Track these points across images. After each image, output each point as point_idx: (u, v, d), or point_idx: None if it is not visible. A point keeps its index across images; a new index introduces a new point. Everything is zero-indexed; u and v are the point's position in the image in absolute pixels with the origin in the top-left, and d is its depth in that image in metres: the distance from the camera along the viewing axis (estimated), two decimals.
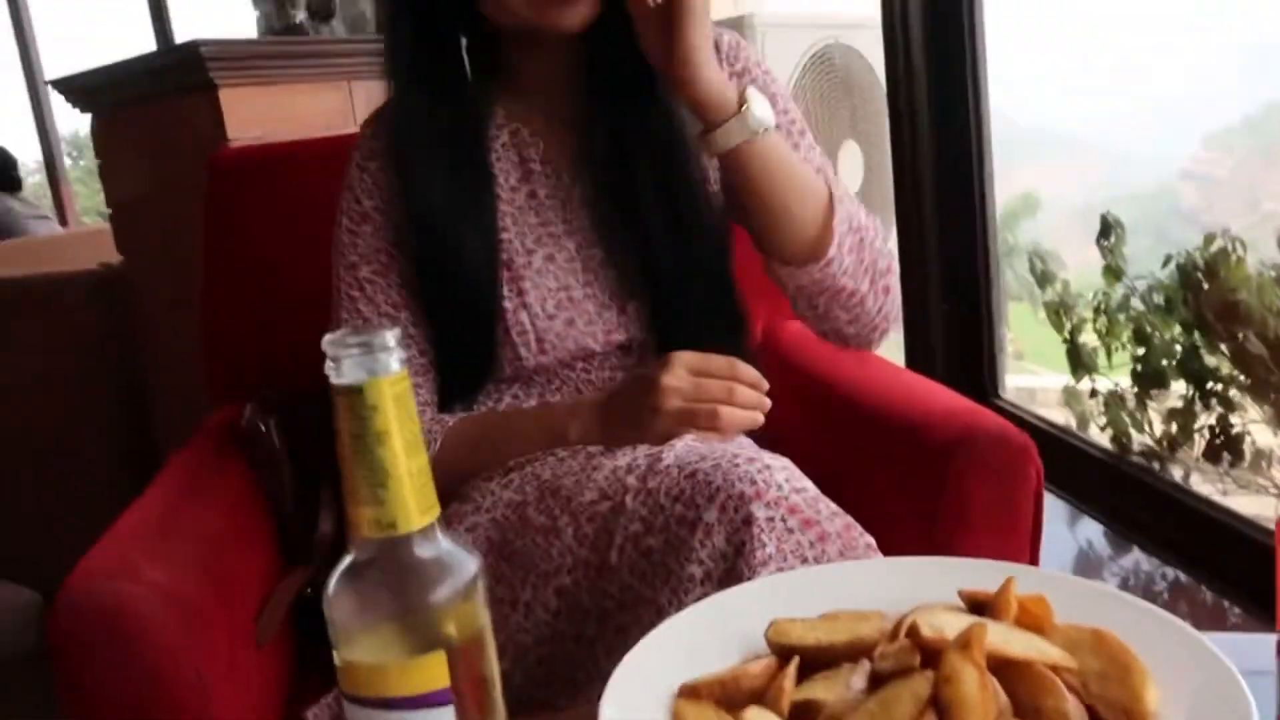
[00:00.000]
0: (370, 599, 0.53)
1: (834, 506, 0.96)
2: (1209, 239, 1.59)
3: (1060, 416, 2.09)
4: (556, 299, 1.19)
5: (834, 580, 0.81)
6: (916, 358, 2.41)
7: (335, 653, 0.53)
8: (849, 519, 0.96)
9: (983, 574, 0.77)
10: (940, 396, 1.29)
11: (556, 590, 0.99)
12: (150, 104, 2.18)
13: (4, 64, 5.50)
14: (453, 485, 1.14)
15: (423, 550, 0.53)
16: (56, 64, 5.98)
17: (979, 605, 0.71)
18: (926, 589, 0.76)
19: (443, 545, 0.54)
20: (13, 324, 2.49)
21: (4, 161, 4.49)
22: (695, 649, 0.72)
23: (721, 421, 1.04)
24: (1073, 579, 0.76)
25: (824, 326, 1.25)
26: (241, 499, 1.29)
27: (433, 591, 0.53)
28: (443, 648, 0.52)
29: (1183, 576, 1.60)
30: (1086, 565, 1.90)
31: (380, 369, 0.52)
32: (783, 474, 0.95)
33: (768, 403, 1.08)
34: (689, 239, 1.19)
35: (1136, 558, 1.77)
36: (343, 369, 0.52)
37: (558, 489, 1.02)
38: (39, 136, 5.73)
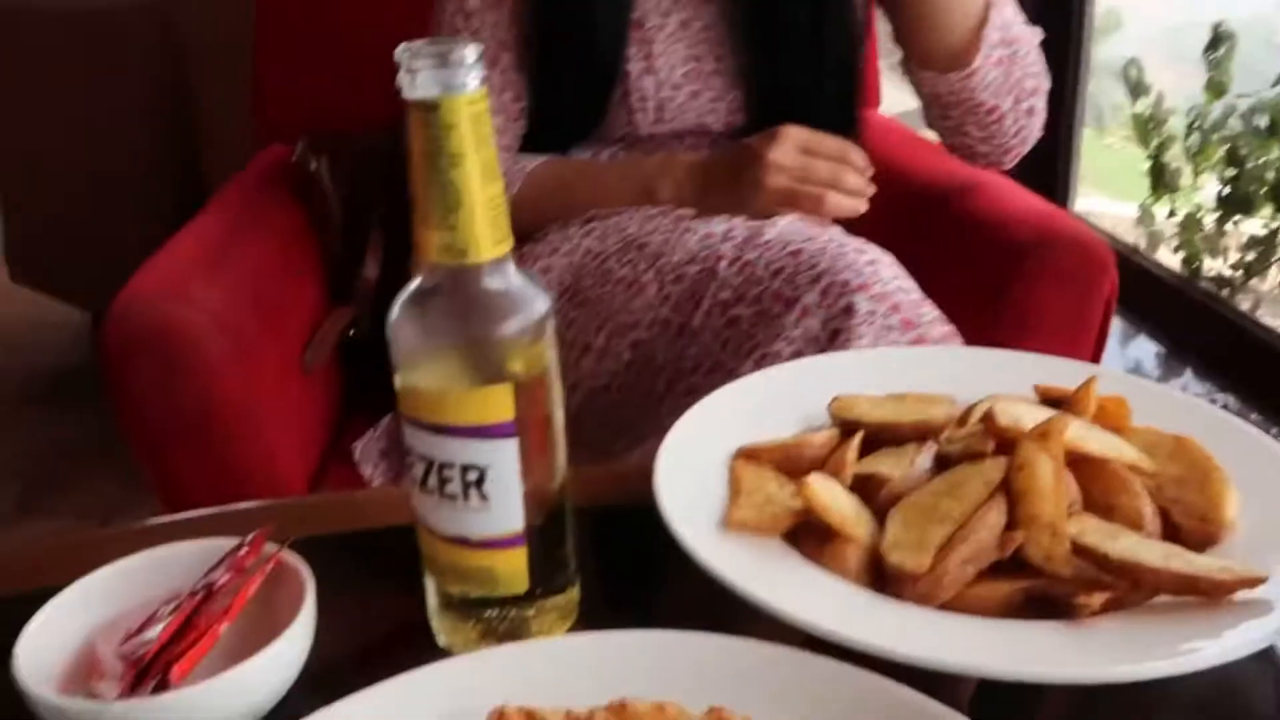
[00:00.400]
0: (436, 326, 0.51)
1: (938, 313, 0.92)
2: None
3: (1128, 236, 2.01)
4: (686, 69, 1.11)
5: (904, 362, 0.79)
6: None
7: (396, 375, 0.51)
8: (951, 327, 0.93)
9: (1060, 372, 0.74)
10: (1020, 197, 1.22)
11: (632, 343, 0.97)
12: None
13: None
14: (528, 230, 1.10)
15: (492, 282, 0.50)
16: None
17: (1055, 401, 0.68)
18: (1000, 381, 0.73)
19: (513, 280, 0.51)
20: (63, 53, 2.43)
21: None
22: (757, 414, 0.70)
23: (826, 207, 0.99)
24: (1156, 385, 0.73)
25: (954, 140, 1.17)
26: (291, 234, 1.27)
27: (501, 325, 0.50)
28: (509, 381, 0.50)
29: (1233, 404, 1.57)
30: None
31: (458, 85, 0.47)
32: (890, 270, 0.91)
33: (872, 189, 1.03)
34: (828, 25, 1.10)
35: (1187, 380, 1.74)
36: (417, 81, 0.47)
37: (644, 244, 0.99)
38: None
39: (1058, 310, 1.12)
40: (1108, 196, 2.10)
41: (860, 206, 1.02)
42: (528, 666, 0.49)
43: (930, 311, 0.91)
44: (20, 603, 0.58)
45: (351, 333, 1.25)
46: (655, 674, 0.48)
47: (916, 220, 1.28)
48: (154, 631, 0.47)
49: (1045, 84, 1.14)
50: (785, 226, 0.95)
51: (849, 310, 0.86)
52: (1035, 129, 1.16)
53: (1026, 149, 1.19)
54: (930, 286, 1.12)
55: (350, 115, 1.39)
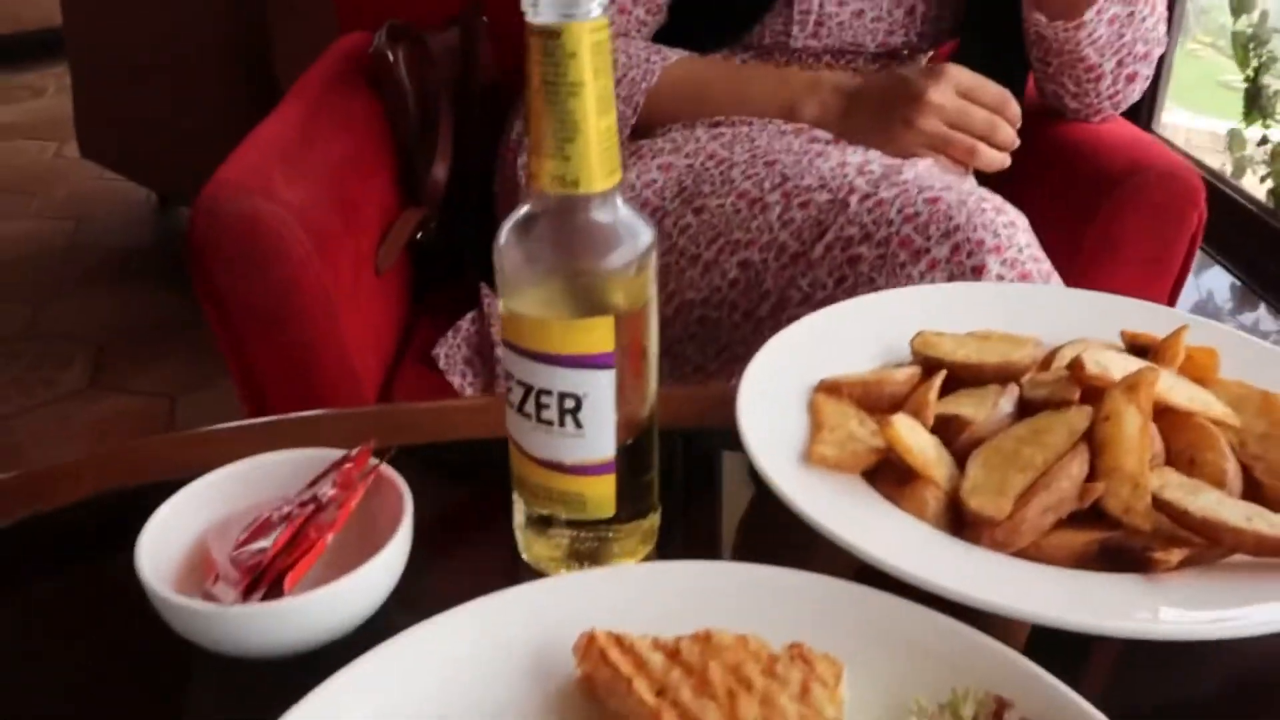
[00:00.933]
0: (541, 255, 0.51)
1: (1067, 290, 0.90)
2: None
3: (1213, 162, 1.94)
4: None
5: (990, 298, 0.78)
6: None
7: (501, 301, 0.52)
8: None
9: (1147, 316, 0.73)
10: (1113, 122, 1.19)
11: (742, 263, 0.95)
12: None
13: None
14: (653, 126, 1.07)
15: (600, 214, 0.51)
16: None
17: (1141, 348, 0.68)
18: (1086, 323, 0.72)
19: (621, 212, 0.51)
20: None
21: None
22: (841, 345, 0.70)
23: (976, 158, 0.96)
24: (1246, 337, 0.72)
25: (1046, 86, 1.13)
26: (368, 128, 1.27)
27: (606, 257, 0.51)
28: (610, 314, 0.51)
29: None
30: (1205, 315, 1.84)
31: (581, 12, 0.47)
32: (1026, 236, 0.88)
33: (1017, 142, 0.99)
34: None
35: (1260, 316, 1.70)
36: (540, 7, 0.47)
37: (772, 161, 0.96)
38: None
39: (1143, 241, 1.10)
40: (1187, 110, 2.01)
41: (1006, 162, 0.98)
42: (613, 590, 0.51)
43: (1059, 284, 0.89)
44: (127, 497, 0.61)
45: (420, 235, 1.26)
46: (737, 606, 0.50)
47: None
48: (268, 540, 0.49)
49: (1158, 50, 1.09)
50: (924, 170, 0.92)
51: (978, 271, 0.84)
52: (1132, 96, 1.12)
53: (1118, 114, 1.15)
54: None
55: (426, 8, 1.38)
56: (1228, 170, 1.91)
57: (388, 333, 1.23)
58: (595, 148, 0.48)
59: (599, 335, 0.50)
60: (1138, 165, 1.10)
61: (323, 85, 1.29)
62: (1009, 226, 0.86)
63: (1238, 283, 1.75)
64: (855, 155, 0.94)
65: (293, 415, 0.70)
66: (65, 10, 2.74)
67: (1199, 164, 1.94)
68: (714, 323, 0.97)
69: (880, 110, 0.98)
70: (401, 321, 1.27)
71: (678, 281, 0.97)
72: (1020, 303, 0.77)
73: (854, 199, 0.89)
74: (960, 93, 0.96)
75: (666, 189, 0.99)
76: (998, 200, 0.90)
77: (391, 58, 1.30)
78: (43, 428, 2.01)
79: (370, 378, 1.12)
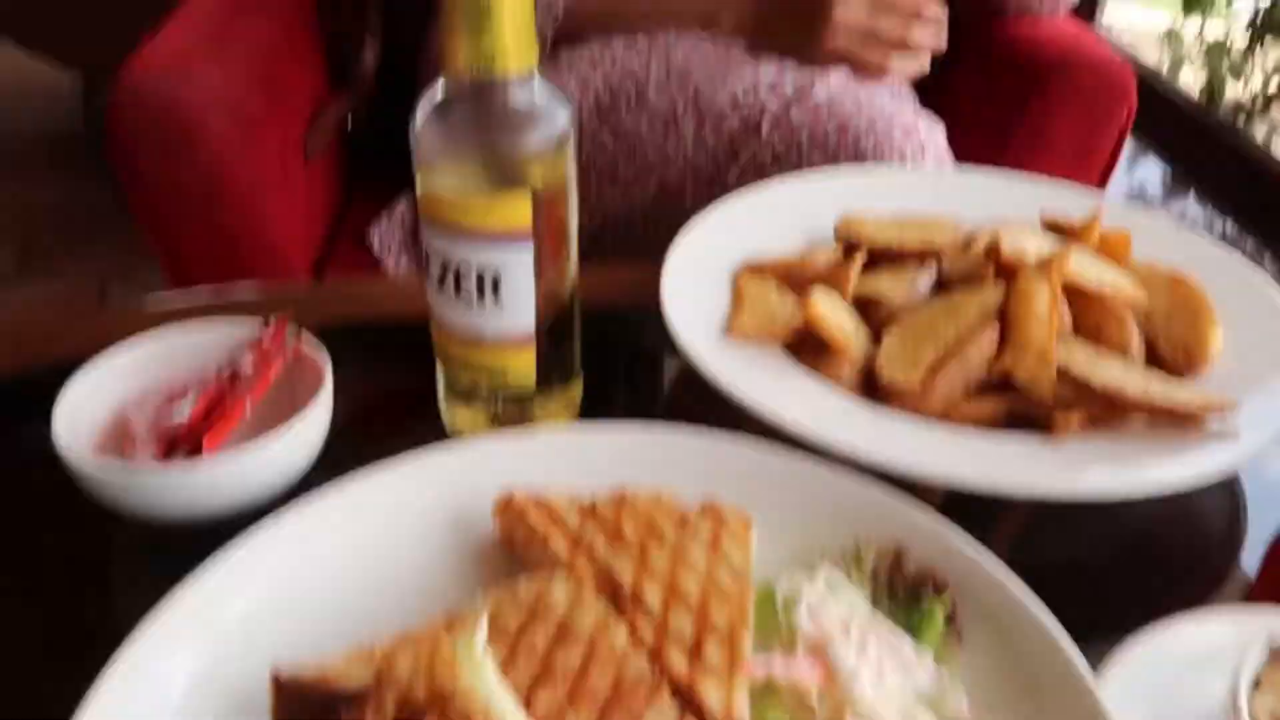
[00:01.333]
0: (458, 134, 0.51)
1: (992, 175, 0.91)
2: None
3: (1152, 55, 1.95)
4: None
5: (913, 183, 0.79)
6: None
7: (418, 180, 0.52)
8: None
9: (1068, 199, 0.75)
10: (1053, 20, 1.19)
11: (660, 183, 0.96)
12: None
13: None
14: (574, 34, 1.05)
15: (517, 93, 0.50)
16: None
17: (1059, 231, 0.69)
18: (1006, 205, 0.74)
19: (538, 92, 0.51)
20: None
21: None
22: (764, 229, 0.71)
23: (889, 71, 0.95)
24: (1161, 219, 0.74)
25: None
26: (293, 14, 1.22)
27: (522, 136, 0.50)
28: (527, 191, 0.50)
29: (1232, 229, 1.58)
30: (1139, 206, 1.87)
31: None
32: (936, 159, 0.89)
33: (943, 45, 0.98)
34: None
35: (1188, 205, 1.74)
36: None
37: (686, 75, 0.96)
38: None
39: (1073, 133, 1.11)
40: (1134, 3, 2.00)
41: (924, 67, 0.98)
42: (532, 453, 0.52)
43: None
44: (42, 373, 0.61)
45: (350, 120, 1.24)
46: (652, 466, 0.51)
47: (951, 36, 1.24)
48: (185, 406, 0.49)
49: None
50: (837, 88, 0.92)
51: None
52: None
53: (1061, 11, 1.15)
54: (949, 97, 1.11)
55: None
56: (1165, 66, 1.92)
57: (320, 218, 1.21)
58: (510, 26, 0.47)
59: (516, 212, 0.50)
60: (1069, 58, 1.10)
61: None
62: (919, 151, 0.87)
63: (1169, 172, 1.78)
64: (769, 72, 0.94)
65: (213, 288, 0.70)
66: None
67: (1136, 59, 1.95)
68: (639, 239, 0.99)
69: (790, 28, 0.98)
70: (334, 207, 1.25)
71: (598, 200, 0.98)
72: (945, 187, 0.78)
73: (765, 123, 0.90)
74: (871, 6, 0.95)
75: (584, 105, 0.98)
76: (908, 119, 0.90)
77: None
78: None
79: (302, 264, 1.11)
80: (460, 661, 0.36)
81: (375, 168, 1.32)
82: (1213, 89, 1.73)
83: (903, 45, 0.96)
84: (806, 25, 0.96)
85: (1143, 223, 0.71)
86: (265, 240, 1.04)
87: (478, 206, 0.50)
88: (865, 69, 0.96)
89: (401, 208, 1.13)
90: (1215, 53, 1.74)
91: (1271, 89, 1.62)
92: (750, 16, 1.00)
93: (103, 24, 2.40)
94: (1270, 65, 1.65)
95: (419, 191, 0.52)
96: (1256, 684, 0.41)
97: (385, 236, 1.11)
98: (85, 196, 2.32)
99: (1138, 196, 1.80)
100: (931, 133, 0.91)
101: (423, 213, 0.52)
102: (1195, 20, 1.81)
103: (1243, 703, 0.40)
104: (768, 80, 0.93)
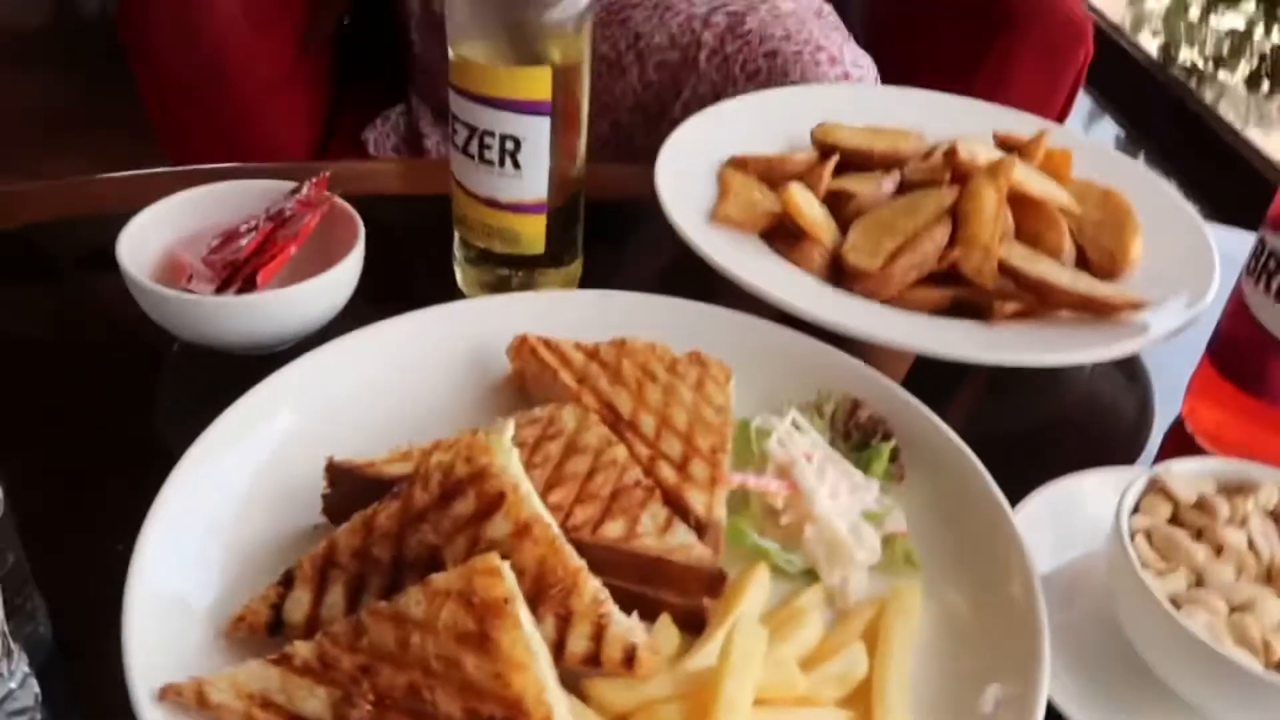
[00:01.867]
0: (487, 5, 0.57)
1: (956, 97, 0.95)
2: None
3: (1116, 14, 2.03)
4: None
5: (883, 101, 0.86)
6: None
7: (451, 47, 0.58)
8: None
9: (1021, 124, 0.83)
10: None
11: (612, 124, 1.02)
12: None
13: None
14: None
15: None
16: None
17: (1010, 148, 0.77)
18: (965, 125, 0.81)
19: None
20: None
21: None
22: (749, 131, 0.78)
23: None
24: (1101, 146, 0.82)
25: None
26: None
27: (544, 11, 0.57)
28: (547, 64, 0.57)
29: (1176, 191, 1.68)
30: None
31: None
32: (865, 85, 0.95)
33: None
34: None
35: (1138, 164, 1.83)
36: None
37: (626, 19, 1.01)
38: None
39: (1032, 76, 1.18)
40: None
41: None
42: (539, 311, 0.60)
43: None
44: (95, 225, 0.67)
45: (346, 20, 1.28)
46: (646, 329, 0.59)
47: None
48: (241, 244, 0.56)
49: None
50: (767, 15, 0.97)
51: None
52: None
53: None
54: (915, 43, 1.18)
55: None
56: (1127, 25, 2.00)
57: (315, 117, 1.25)
58: None
59: (537, 83, 0.57)
60: (1031, 3, 1.18)
61: None
62: (845, 78, 0.94)
63: (1122, 133, 1.87)
64: (703, 5, 0.98)
65: (236, 165, 0.75)
66: None
67: (1101, 16, 2.02)
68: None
69: None
70: (327, 109, 1.30)
71: None
72: (913, 105, 0.86)
73: (703, 56, 0.96)
74: None
75: None
76: (836, 46, 0.96)
77: None
78: None
79: (299, 154, 1.16)
80: (494, 446, 0.43)
81: (365, 76, 1.37)
82: (1169, 51, 1.82)
83: None
84: None
85: (1084, 145, 0.80)
86: (267, 127, 1.10)
87: (503, 75, 0.57)
88: None
89: (395, 114, 1.18)
90: (1173, 16, 1.82)
91: (1224, 52, 1.71)
92: None
93: None
94: (1224, 29, 1.73)
95: (452, 58, 0.58)
96: (1137, 509, 0.50)
97: (380, 139, 1.16)
98: (65, 97, 2.31)
99: None
100: (859, 61, 0.98)
101: (452, 79, 0.58)
102: None
103: (1124, 522, 0.48)
104: (701, 11, 0.99)
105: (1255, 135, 1.66)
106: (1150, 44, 1.91)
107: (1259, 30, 1.65)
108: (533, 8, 0.57)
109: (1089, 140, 0.83)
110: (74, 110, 2.27)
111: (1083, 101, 1.93)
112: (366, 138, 1.16)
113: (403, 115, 1.20)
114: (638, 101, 1.01)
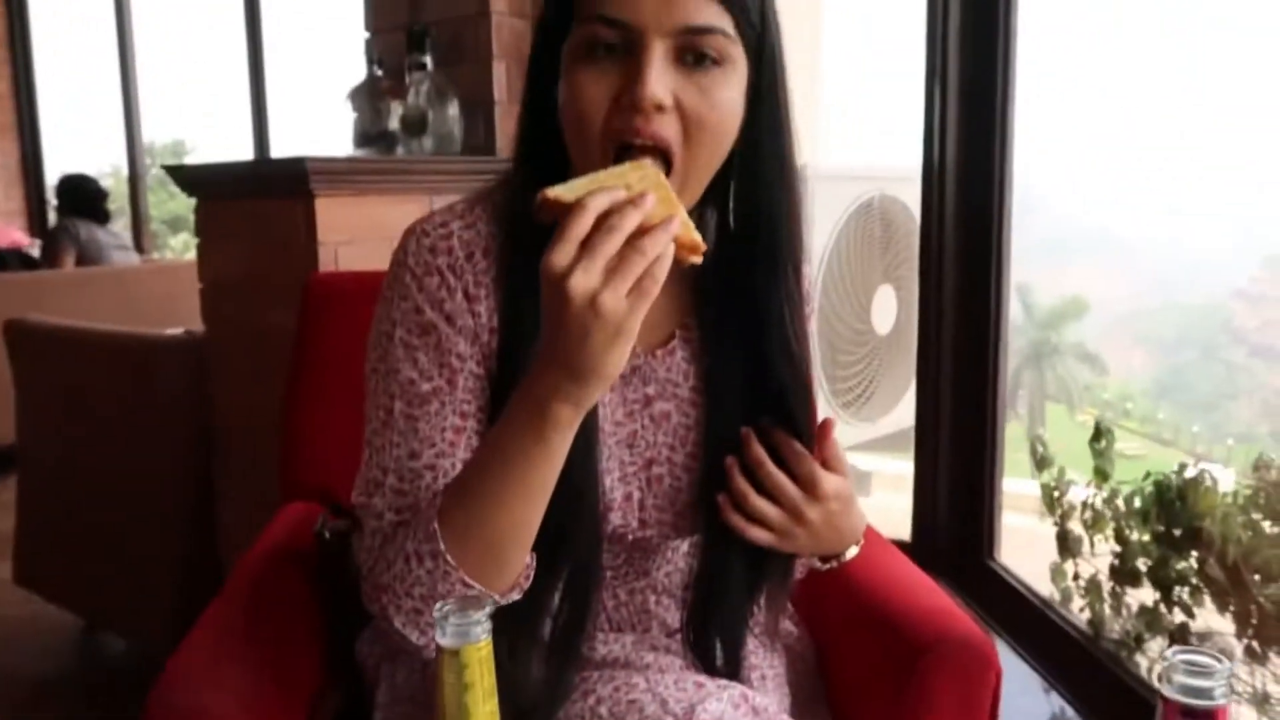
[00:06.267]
0: None
1: None
2: (1183, 467, 1.77)
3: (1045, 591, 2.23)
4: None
5: None
6: (924, 500, 2.59)
7: None
8: None
9: None
10: (924, 595, 1.45)
11: None
12: (251, 200, 2.42)
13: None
14: (497, 554, 1.01)
15: None
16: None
17: None
18: None
19: None
20: (106, 375, 2.71)
21: (96, 194, 4.81)
22: None
23: (647, 284, 0.85)
24: None
25: None
26: (304, 610, 1.45)
27: None
28: None
29: None
30: None
31: (473, 637, 0.71)
32: None
33: (671, 234, 0.88)
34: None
35: None
36: (445, 631, 0.71)
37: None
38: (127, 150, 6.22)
39: (951, 702, 1.32)
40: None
41: (665, 262, 0.88)
42: None
43: None
44: None
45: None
46: None
47: (836, 607, 1.50)
48: None
49: None
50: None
51: None
52: None
53: None
54: (844, 669, 1.34)
55: None
56: (1056, 599, 2.20)
57: None
58: None
59: None
60: (940, 635, 1.35)
61: (267, 567, 1.51)
62: None
63: (1075, 709, 1.98)
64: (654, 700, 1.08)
65: None
66: (20, 429, 2.93)
67: (1034, 593, 2.23)
68: None
69: (561, 342, 0.90)
70: None
71: None
72: None
73: None
74: (578, 241, 0.86)
75: None
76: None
77: (329, 541, 1.52)
78: None
79: None
80: None
81: None
82: (1095, 624, 2.00)
83: (636, 252, 0.85)
84: (559, 323, 0.86)
85: None
86: None
87: None
88: (635, 300, 0.86)
89: None
90: (1092, 591, 2.02)
91: (1141, 629, 1.88)
92: (546, 373, 0.91)
93: (112, 573, 2.66)
94: (1138, 607, 1.92)
95: None
96: None
97: None
98: None
99: None
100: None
101: None
102: (1070, 564, 2.11)
103: None
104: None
105: None
106: (1080, 618, 2.09)
107: (1163, 609, 1.83)
108: None
109: None
110: None
111: (1033, 679, 2.07)
112: None
113: None
114: None
